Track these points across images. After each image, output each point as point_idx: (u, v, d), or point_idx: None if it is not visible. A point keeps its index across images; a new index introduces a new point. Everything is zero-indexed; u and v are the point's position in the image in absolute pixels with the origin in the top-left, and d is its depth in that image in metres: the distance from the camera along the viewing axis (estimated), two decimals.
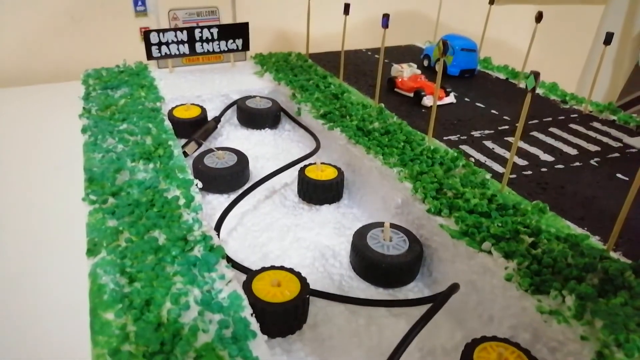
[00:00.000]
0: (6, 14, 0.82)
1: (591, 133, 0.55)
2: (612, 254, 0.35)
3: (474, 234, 0.36)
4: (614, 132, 0.56)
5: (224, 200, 0.48)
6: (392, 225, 0.40)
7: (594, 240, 0.37)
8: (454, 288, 0.34)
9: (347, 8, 0.61)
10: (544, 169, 0.47)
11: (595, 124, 0.58)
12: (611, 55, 0.71)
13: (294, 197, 0.49)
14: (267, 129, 0.61)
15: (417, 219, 0.41)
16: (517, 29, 0.79)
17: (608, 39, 0.56)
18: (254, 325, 0.28)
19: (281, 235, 0.43)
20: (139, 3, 0.66)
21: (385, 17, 0.53)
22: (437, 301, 0.32)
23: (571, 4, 0.86)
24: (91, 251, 0.33)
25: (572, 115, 0.60)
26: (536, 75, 0.37)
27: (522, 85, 0.69)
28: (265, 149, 0.58)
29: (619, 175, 0.47)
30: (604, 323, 0.27)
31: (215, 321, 0.28)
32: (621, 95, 0.73)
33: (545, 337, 0.30)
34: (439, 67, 0.46)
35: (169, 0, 0.69)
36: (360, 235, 0.39)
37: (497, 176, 0.45)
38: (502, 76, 0.73)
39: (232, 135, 0.60)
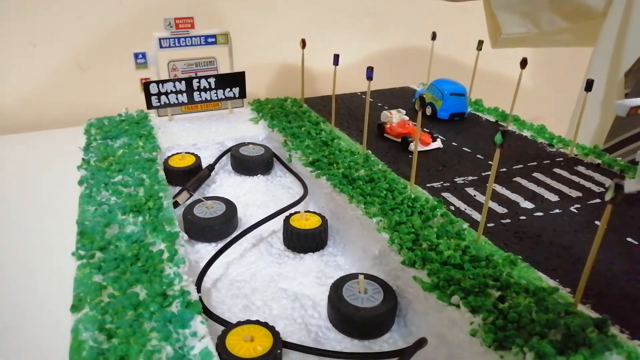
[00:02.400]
0: (16, 60, 0.87)
1: (574, 177, 0.56)
2: (581, 307, 0.36)
3: (444, 287, 0.37)
4: (597, 176, 0.57)
5: (212, 248, 0.50)
6: (369, 277, 0.41)
7: (564, 293, 0.37)
8: (420, 343, 0.35)
9: (336, 59, 0.63)
10: (522, 217, 0.48)
11: (580, 168, 0.59)
12: (599, 97, 0.72)
13: (279, 245, 0.51)
14: (259, 175, 0.64)
15: (394, 270, 0.42)
16: (516, 65, 0.81)
17: (589, 85, 0.58)
18: None
19: (264, 285, 0.45)
20: (140, 56, 0.69)
21: (370, 69, 0.55)
22: (402, 356, 0.33)
23: (563, 46, 0.88)
24: (75, 307, 0.35)
25: (557, 159, 0.61)
26: (504, 132, 0.39)
27: (510, 127, 0.71)
28: (257, 196, 0.60)
29: (597, 222, 0.47)
30: None
31: None
32: (608, 138, 0.74)
33: None
34: (417, 120, 0.48)
35: (170, 53, 0.73)
36: (336, 288, 0.40)
37: (475, 225, 0.46)
38: (492, 118, 0.75)
39: (225, 182, 0.62)
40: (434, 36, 0.82)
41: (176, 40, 0.71)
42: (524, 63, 0.65)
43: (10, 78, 0.88)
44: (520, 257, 0.41)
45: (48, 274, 0.43)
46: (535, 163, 0.60)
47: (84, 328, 0.33)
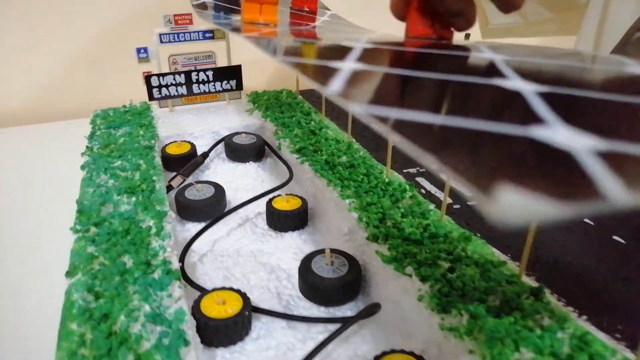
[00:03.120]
0: (29, 55, 0.92)
1: None
2: (525, 279, 0.39)
3: (401, 259, 0.41)
4: None
5: (200, 227, 0.54)
6: (338, 251, 0.45)
7: (513, 266, 0.40)
8: (373, 307, 0.38)
9: None
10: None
11: None
12: None
13: (263, 225, 0.54)
14: (251, 162, 0.68)
15: (360, 246, 0.45)
16: None
17: None
18: (190, 336, 0.33)
19: (245, 260, 0.49)
20: (142, 51, 0.74)
21: None
22: (353, 317, 0.36)
23: (549, 36, 0.90)
24: (70, 273, 0.39)
25: None
26: None
27: None
28: (247, 181, 0.64)
29: None
30: (486, 338, 0.32)
31: (157, 331, 0.33)
32: None
33: (446, 351, 0.34)
34: None
35: (170, 48, 0.77)
36: (306, 261, 0.44)
37: (439, 205, 0.49)
38: None
39: (219, 169, 0.67)
40: (467, 36, 0.85)
41: (176, 35, 0.75)
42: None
43: (21, 73, 0.93)
44: (478, 234, 0.44)
45: (49, 246, 0.48)
46: None
47: (75, 290, 0.37)
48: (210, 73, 0.76)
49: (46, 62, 0.94)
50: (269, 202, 0.54)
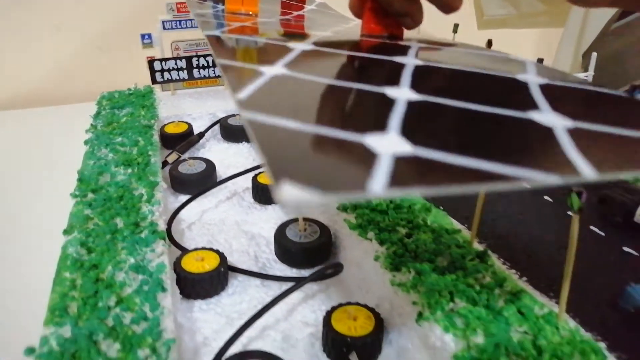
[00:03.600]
0: (43, 41, 0.98)
1: None
2: (476, 245, 0.42)
3: (365, 226, 0.44)
4: None
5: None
6: (311, 220, 0.49)
7: (467, 234, 0.44)
8: (335, 266, 0.42)
9: None
10: None
11: None
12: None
13: (250, 199, 0.59)
14: (244, 142, 0.72)
15: (333, 215, 0.49)
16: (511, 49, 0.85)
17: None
18: (168, 284, 0.38)
19: (229, 228, 0.53)
20: (146, 37, 0.78)
21: None
22: (310, 275, 0.40)
23: (541, 27, 0.92)
24: (67, 231, 0.44)
25: None
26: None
27: None
28: (239, 159, 0.68)
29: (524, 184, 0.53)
30: (426, 290, 0.35)
31: (139, 279, 0.38)
32: None
33: (396, 305, 0.38)
34: None
35: (173, 34, 0.82)
36: (281, 227, 0.48)
37: None
38: None
39: (213, 148, 0.71)
40: (455, 29, 0.88)
41: (178, 22, 0.80)
42: (489, 44, 0.71)
43: (38, 58, 0.99)
44: (441, 207, 0.48)
45: (51, 209, 0.53)
46: None
47: (70, 245, 0.42)
48: (210, 58, 0.80)
49: (61, 48, 0.99)
50: (255, 177, 0.58)
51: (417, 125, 0.22)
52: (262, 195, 0.57)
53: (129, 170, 0.55)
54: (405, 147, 0.19)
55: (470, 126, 0.23)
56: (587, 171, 0.19)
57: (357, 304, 0.39)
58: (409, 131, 0.21)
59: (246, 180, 0.60)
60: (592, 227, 0.46)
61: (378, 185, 0.16)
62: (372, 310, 0.38)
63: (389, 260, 0.40)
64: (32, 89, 1.02)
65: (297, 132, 0.20)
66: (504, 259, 0.42)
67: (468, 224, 0.46)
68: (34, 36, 0.98)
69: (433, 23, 1.14)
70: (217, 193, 0.59)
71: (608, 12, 0.71)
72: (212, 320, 0.41)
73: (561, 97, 0.26)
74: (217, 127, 0.74)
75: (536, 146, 0.21)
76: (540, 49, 1.17)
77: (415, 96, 0.25)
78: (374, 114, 0.23)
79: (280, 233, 0.47)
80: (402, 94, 0.26)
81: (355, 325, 0.36)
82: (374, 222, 0.45)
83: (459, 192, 0.17)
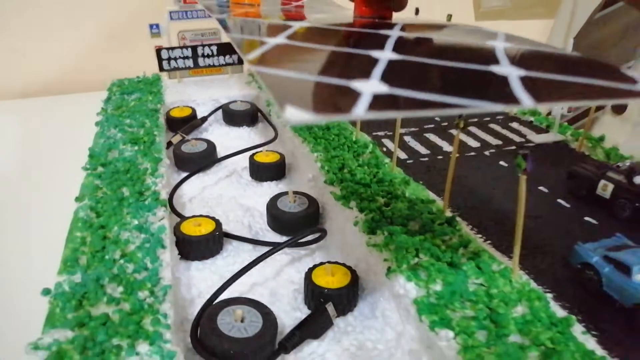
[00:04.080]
0: (59, 33, 1.03)
1: (504, 131, 0.66)
2: (448, 213, 0.46)
3: (348, 197, 0.49)
4: (525, 130, 0.66)
5: (194, 176, 0.63)
6: (301, 193, 0.53)
7: (440, 204, 0.48)
8: (319, 231, 0.46)
9: None
10: (440, 157, 0.58)
11: (514, 124, 0.68)
12: None
13: (247, 177, 0.63)
14: (244, 126, 0.76)
15: (321, 189, 0.54)
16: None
17: None
18: (167, 243, 0.42)
19: (227, 201, 0.57)
20: (154, 27, 0.83)
21: None
22: (293, 238, 0.45)
23: (537, 18, 0.95)
24: (79, 199, 0.49)
25: (497, 117, 0.70)
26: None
27: None
28: (240, 142, 0.72)
29: (501, 162, 0.57)
30: (395, 248, 0.39)
31: (142, 238, 0.42)
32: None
33: (371, 264, 0.42)
34: None
35: (180, 24, 0.86)
36: (273, 199, 0.52)
37: (397, 162, 0.57)
38: None
39: (216, 131, 0.75)
40: (417, 12, 0.91)
41: (184, 13, 0.84)
42: (449, 18, 0.74)
43: (54, 48, 1.04)
44: (421, 182, 0.52)
45: (65, 181, 0.57)
46: (476, 119, 0.69)
47: (81, 210, 0.47)
48: (214, 48, 0.84)
49: (76, 39, 1.04)
50: (252, 156, 0.62)
51: (394, 75, 0.26)
52: (258, 172, 0.61)
53: (136, 148, 0.59)
54: (383, 88, 0.23)
55: (437, 75, 0.27)
56: (527, 102, 0.22)
57: (337, 263, 0.43)
58: (387, 79, 0.25)
59: (244, 160, 0.64)
60: (559, 200, 0.49)
61: (359, 109, 0.20)
62: (349, 268, 0.42)
63: (366, 225, 0.44)
64: (49, 79, 1.07)
65: (296, 79, 0.25)
66: (472, 226, 0.45)
67: (443, 195, 0.50)
68: (50, 29, 1.03)
69: (433, 15, 1.17)
70: (217, 171, 0.64)
71: (594, 3, 0.74)
72: (206, 277, 0.45)
73: (521, 56, 0.30)
74: (219, 112, 0.78)
75: (490, 87, 0.25)
76: (538, 39, 1.20)
77: (395, 56, 0.29)
78: (360, 68, 0.28)
79: (272, 204, 0.52)
80: (385, 55, 0.30)
81: (333, 280, 0.40)
82: (357, 193, 0.49)
83: (420, 115, 0.21)
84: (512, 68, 0.26)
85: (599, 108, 0.68)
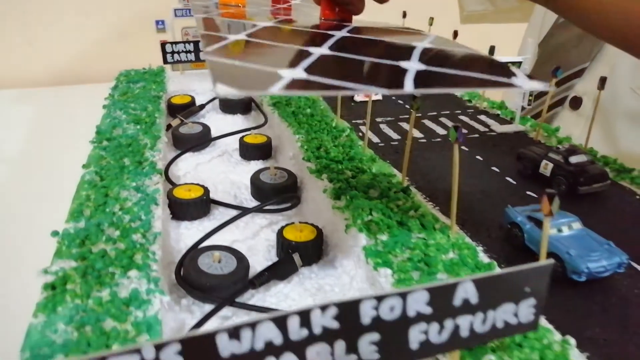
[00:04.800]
0: (72, 27, 1.11)
1: (471, 122, 0.72)
2: (406, 183, 0.53)
3: (321, 171, 0.55)
4: (490, 121, 0.72)
5: (190, 155, 0.70)
6: (281, 168, 0.60)
7: (399, 178, 0.54)
8: (293, 198, 0.53)
9: None
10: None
11: (481, 116, 0.74)
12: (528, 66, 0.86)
13: (237, 157, 0.70)
14: (238, 114, 0.83)
15: (299, 165, 0.60)
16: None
17: (490, 52, 0.73)
18: (160, 201, 0.49)
19: (217, 176, 0.64)
20: (160, 23, 0.90)
21: None
22: (270, 201, 0.51)
23: (517, 22, 1.01)
24: (85, 166, 0.56)
25: (468, 110, 0.77)
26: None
27: None
28: (233, 127, 0.79)
29: (463, 147, 0.64)
30: (353, 208, 0.46)
31: (139, 196, 0.49)
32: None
33: (336, 225, 0.49)
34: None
35: (183, 21, 0.93)
36: (256, 173, 0.59)
37: (370, 145, 0.63)
38: None
39: (212, 117, 0.82)
40: (404, 15, 0.98)
41: (188, 11, 0.91)
42: (455, 35, 0.81)
43: (67, 42, 1.12)
44: (388, 162, 0.58)
45: (75, 152, 0.64)
46: (447, 112, 0.76)
47: (87, 175, 0.54)
48: None
49: (86, 33, 1.12)
50: (242, 138, 0.69)
51: (317, 66, 0.33)
52: (247, 152, 0.68)
53: (138, 127, 0.66)
54: (302, 75, 0.30)
55: (350, 67, 0.33)
56: (408, 88, 0.29)
57: (306, 222, 0.49)
58: (309, 68, 0.31)
59: (235, 142, 0.71)
60: (507, 178, 0.56)
61: (276, 88, 0.27)
62: (316, 226, 0.49)
63: (333, 192, 0.50)
64: (62, 70, 1.15)
65: (236, 65, 0.31)
66: (426, 195, 0.52)
67: (408, 175, 0.56)
68: (64, 23, 1.11)
69: (422, 17, 1.23)
70: (211, 151, 0.71)
71: None
72: (194, 235, 0.52)
73: (431, 55, 0.37)
74: (216, 101, 0.85)
75: (387, 76, 0.31)
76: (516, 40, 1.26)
77: (327, 52, 0.36)
78: (294, 60, 0.34)
79: (255, 177, 0.58)
80: (320, 51, 0.36)
81: (300, 235, 0.47)
82: (329, 168, 0.55)
83: (323, 94, 0.28)
84: (416, 64, 0.32)
85: (557, 104, 0.75)
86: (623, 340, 0.34)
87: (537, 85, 0.28)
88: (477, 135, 0.67)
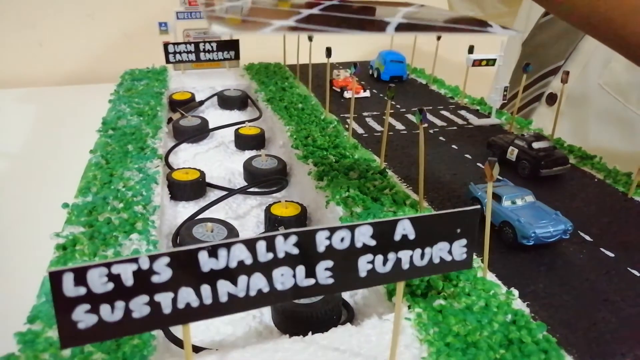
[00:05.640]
0: (80, 29, 1.17)
1: (452, 116, 0.77)
2: (384, 166, 0.58)
3: (308, 157, 0.60)
4: (469, 116, 0.77)
5: (189, 145, 0.75)
6: (272, 155, 0.65)
7: (378, 162, 0.60)
8: (280, 180, 0.58)
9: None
10: (391, 133, 0.70)
11: (462, 112, 0.79)
12: (511, 64, 0.91)
13: (233, 147, 0.75)
14: (235, 110, 0.89)
15: (289, 152, 0.65)
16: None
17: (470, 50, 0.78)
18: (160, 181, 0.54)
19: (213, 163, 0.69)
20: (163, 25, 0.96)
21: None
22: (258, 182, 0.56)
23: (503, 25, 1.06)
24: (93, 151, 0.61)
25: (450, 106, 0.82)
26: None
27: (433, 87, 0.92)
28: (230, 121, 0.84)
29: (441, 138, 0.69)
30: (333, 186, 0.51)
31: (140, 176, 0.54)
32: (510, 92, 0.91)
33: (318, 203, 0.54)
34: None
35: (185, 23, 0.99)
36: (249, 160, 0.64)
37: (355, 135, 0.69)
38: (423, 81, 0.96)
39: (211, 113, 0.88)
40: None
41: (189, 13, 0.97)
42: (438, 38, 0.86)
43: (75, 43, 1.18)
44: (370, 150, 0.63)
45: (84, 143, 0.70)
46: (430, 107, 0.81)
47: (94, 158, 0.59)
48: (214, 44, 0.97)
49: (94, 35, 1.18)
50: (237, 130, 0.74)
51: (306, 19, 0.37)
52: (242, 142, 0.73)
53: (141, 118, 0.72)
54: (291, 23, 0.35)
55: (337, 20, 0.38)
56: (389, 31, 0.33)
57: (291, 201, 0.54)
58: (298, 20, 0.36)
59: (231, 135, 0.76)
60: (478, 164, 0.61)
61: (266, 30, 0.32)
62: (300, 204, 0.54)
63: (317, 174, 0.55)
64: (70, 70, 1.21)
65: (234, 17, 0.36)
66: (402, 178, 0.57)
67: (386, 157, 0.61)
68: (72, 25, 1.17)
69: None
70: (209, 142, 0.76)
71: (541, 10, 0.86)
72: (190, 213, 0.56)
73: (414, 13, 0.40)
74: (215, 98, 0.91)
75: (372, 26, 0.35)
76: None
77: (317, 12, 0.40)
78: (288, 16, 0.39)
79: (248, 163, 0.63)
80: (310, 11, 0.41)
81: (286, 211, 0.52)
82: (315, 154, 0.61)
83: (306, 33, 0.32)
84: (399, 18, 0.36)
85: (534, 100, 0.80)
86: (560, 293, 0.39)
87: (510, 32, 0.33)
88: (455, 128, 0.72)
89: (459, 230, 0.29)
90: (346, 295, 0.43)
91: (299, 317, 0.38)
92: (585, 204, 0.52)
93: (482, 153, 0.63)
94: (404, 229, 0.28)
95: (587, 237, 0.46)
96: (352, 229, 0.27)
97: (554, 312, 0.37)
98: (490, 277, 0.40)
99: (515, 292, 0.38)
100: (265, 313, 0.41)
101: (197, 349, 0.34)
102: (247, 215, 0.58)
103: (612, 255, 0.44)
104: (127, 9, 1.19)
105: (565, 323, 0.36)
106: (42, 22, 1.17)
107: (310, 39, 0.88)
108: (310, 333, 0.34)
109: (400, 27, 0.33)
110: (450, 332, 0.33)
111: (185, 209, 0.58)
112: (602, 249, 0.44)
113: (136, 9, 1.19)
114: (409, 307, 0.36)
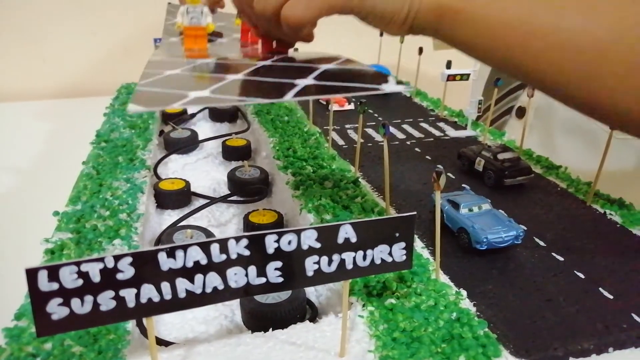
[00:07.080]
0: (79, 44, 1.21)
1: (430, 128, 0.81)
2: (358, 175, 0.61)
3: (288, 167, 0.64)
4: (447, 128, 0.81)
5: (179, 157, 0.79)
6: (255, 166, 0.69)
7: (353, 172, 0.63)
8: (260, 190, 0.62)
9: None
10: (370, 144, 0.74)
11: (440, 124, 0.83)
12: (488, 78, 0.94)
13: (220, 158, 0.79)
14: (226, 122, 0.92)
15: (271, 163, 0.69)
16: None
17: (448, 66, 0.82)
18: (146, 190, 0.58)
19: (199, 173, 0.73)
20: (157, 41, 1.00)
21: None
22: (236, 192, 0.60)
23: None
24: (85, 163, 0.65)
25: (429, 118, 0.85)
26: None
27: (415, 100, 0.95)
28: (219, 133, 0.88)
29: (416, 149, 0.72)
30: (307, 195, 0.55)
31: (128, 186, 0.58)
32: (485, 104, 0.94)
33: (294, 211, 0.57)
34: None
35: None
36: (233, 170, 0.68)
37: (335, 146, 0.72)
38: (407, 94, 1.00)
39: (202, 125, 0.91)
40: (381, 34, 1.07)
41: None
42: (420, 51, 0.90)
43: (75, 57, 1.23)
44: (347, 160, 0.67)
45: (78, 152, 0.73)
46: (410, 119, 0.85)
47: (86, 169, 0.63)
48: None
49: (94, 49, 1.23)
50: (224, 142, 0.78)
51: (224, 87, 0.39)
52: (228, 153, 0.77)
53: (132, 131, 0.76)
54: (206, 94, 0.37)
55: (252, 86, 0.40)
56: (288, 97, 0.35)
57: (270, 209, 0.58)
58: (215, 90, 0.38)
59: (220, 146, 0.80)
60: (449, 174, 0.64)
61: (177, 104, 0.34)
62: (278, 212, 0.57)
63: (294, 183, 0.59)
64: (69, 83, 1.25)
65: (155, 91, 0.38)
66: (375, 188, 0.60)
67: (361, 167, 0.65)
68: (72, 41, 1.22)
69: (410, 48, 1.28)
70: (197, 154, 0.80)
71: None
72: (174, 220, 0.60)
73: (328, 73, 0.42)
74: (207, 111, 0.95)
75: (277, 90, 0.37)
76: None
77: (240, 77, 0.42)
78: (209, 83, 0.40)
79: (231, 173, 0.67)
80: (234, 77, 0.42)
81: (263, 218, 0.56)
82: (294, 165, 0.64)
83: (219, 106, 0.35)
84: (309, 80, 0.37)
85: (506, 113, 0.83)
86: (507, 294, 0.42)
87: (400, 88, 0.36)
88: (431, 140, 0.75)
89: (397, 234, 0.32)
90: (312, 295, 0.46)
91: (266, 315, 0.41)
92: (544, 212, 0.55)
93: (454, 164, 0.67)
94: (346, 232, 0.31)
95: (541, 242, 0.49)
96: (298, 232, 0.30)
97: (499, 311, 0.40)
98: (444, 278, 0.43)
99: (464, 293, 0.41)
100: (236, 313, 0.45)
101: (167, 344, 0.38)
102: (228, 223, 0.61)
103: (561, 259, 0.47)
104: (123, 26, 1.24)
105: (507, 320, 0.39)
106: (45, 39, 1.21)
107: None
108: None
109: (300, 93, 0.35)
110: (397, 328, 0.36)
111: (170, 217, 0.61)
112: (553, 254, 0.48)
113: (132, 26, 1.24)
114: (364, 305, 0.39)
